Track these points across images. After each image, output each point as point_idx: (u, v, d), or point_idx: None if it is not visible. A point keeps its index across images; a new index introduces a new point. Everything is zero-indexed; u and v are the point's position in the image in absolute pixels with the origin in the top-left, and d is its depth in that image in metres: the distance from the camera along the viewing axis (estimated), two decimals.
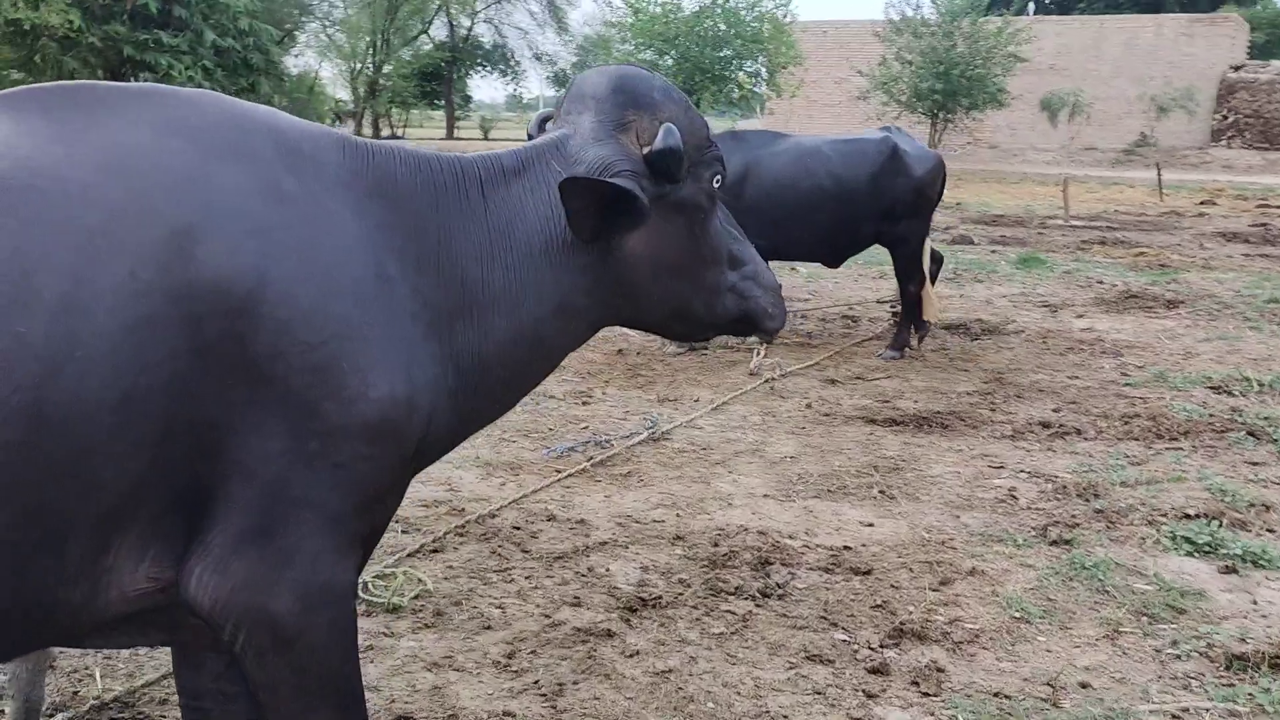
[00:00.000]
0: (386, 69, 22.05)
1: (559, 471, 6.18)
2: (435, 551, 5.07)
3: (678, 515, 5.59)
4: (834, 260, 9.85)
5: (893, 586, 4.78)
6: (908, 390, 8.21)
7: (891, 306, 10.65)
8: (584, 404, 7.70)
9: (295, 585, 2.18)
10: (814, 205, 9.03)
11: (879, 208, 9.15)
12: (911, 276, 9.32)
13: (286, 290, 2.08)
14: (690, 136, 2.69)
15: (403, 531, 5.26)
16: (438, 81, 58.91)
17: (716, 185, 2.81)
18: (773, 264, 9.70)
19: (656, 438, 6.86)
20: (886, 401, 7.87)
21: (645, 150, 2.61)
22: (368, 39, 20.42)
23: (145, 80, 24.52)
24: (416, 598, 4.58)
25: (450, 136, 54.15)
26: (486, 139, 54.20)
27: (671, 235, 2.71)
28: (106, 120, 2.09)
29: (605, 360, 9.00)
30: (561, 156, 2.63)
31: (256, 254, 2.06)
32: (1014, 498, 5.89)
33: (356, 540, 2.30)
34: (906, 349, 9.26)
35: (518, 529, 5.35)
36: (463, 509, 5.57)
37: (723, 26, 35.54)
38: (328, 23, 27.02)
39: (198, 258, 2.00)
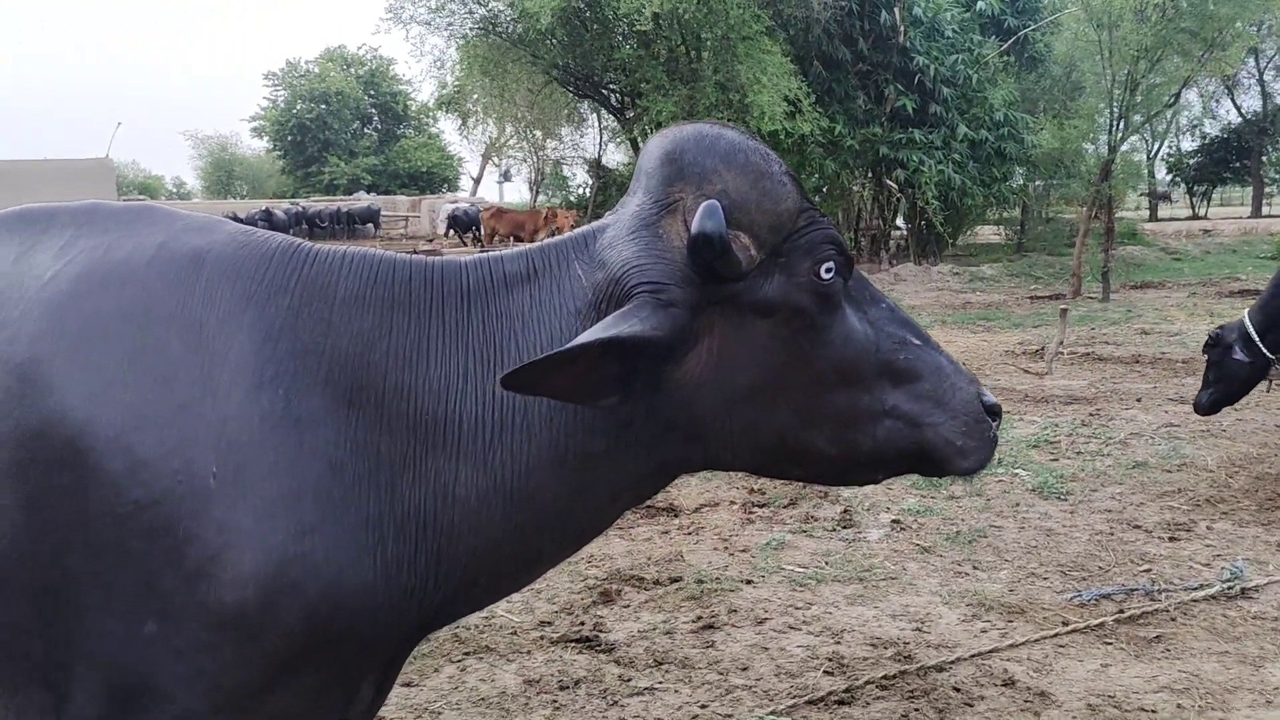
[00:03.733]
0: (1125, 148, 20.51)
1: (1065, 624, 5.01)
2: (841, 704, 4.34)
3: (1179, 707, 4.19)
4: None
5: None
6: None
7: None
8: (1171, 539, 6.20)
9: None
10: None
11: None
12: None
13: (119, 437, 1.77)
14: (761, 216, 1.97)
15: (824, 672, 4.61)
16: (1245, 157, 53.94)
17: (829, 277, 2.01)
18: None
19: (1232, 594, 5.27)
20: None
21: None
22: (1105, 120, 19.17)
23: (897, 176, 25.64)
24: None
25: (1257, 214, 49.16)
26: None
27: (752, 350, 1.99)
28: (32, 245, 1.99)
29: (1248, 482, 7.22)
30: (586, 256, 2.04)
31: (88, 395, 1.79)
32: None
33: None
34: None
35: (957, 691, 4.40)
36: (911, 655, 4.74)
37: None
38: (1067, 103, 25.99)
39: (28, 397, 1.80)
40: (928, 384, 2.12)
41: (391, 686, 2.23)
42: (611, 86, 25.96)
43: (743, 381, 1.99)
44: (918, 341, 2.15)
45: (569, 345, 1.78)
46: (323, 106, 76.20)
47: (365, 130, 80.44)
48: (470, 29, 25.54)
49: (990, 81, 26.61)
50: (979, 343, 14.89)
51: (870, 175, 27.47)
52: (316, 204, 52.50)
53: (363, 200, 55.84)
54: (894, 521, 6.64)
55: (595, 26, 24.10)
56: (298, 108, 76.41)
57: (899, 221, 28.61)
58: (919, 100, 25.75)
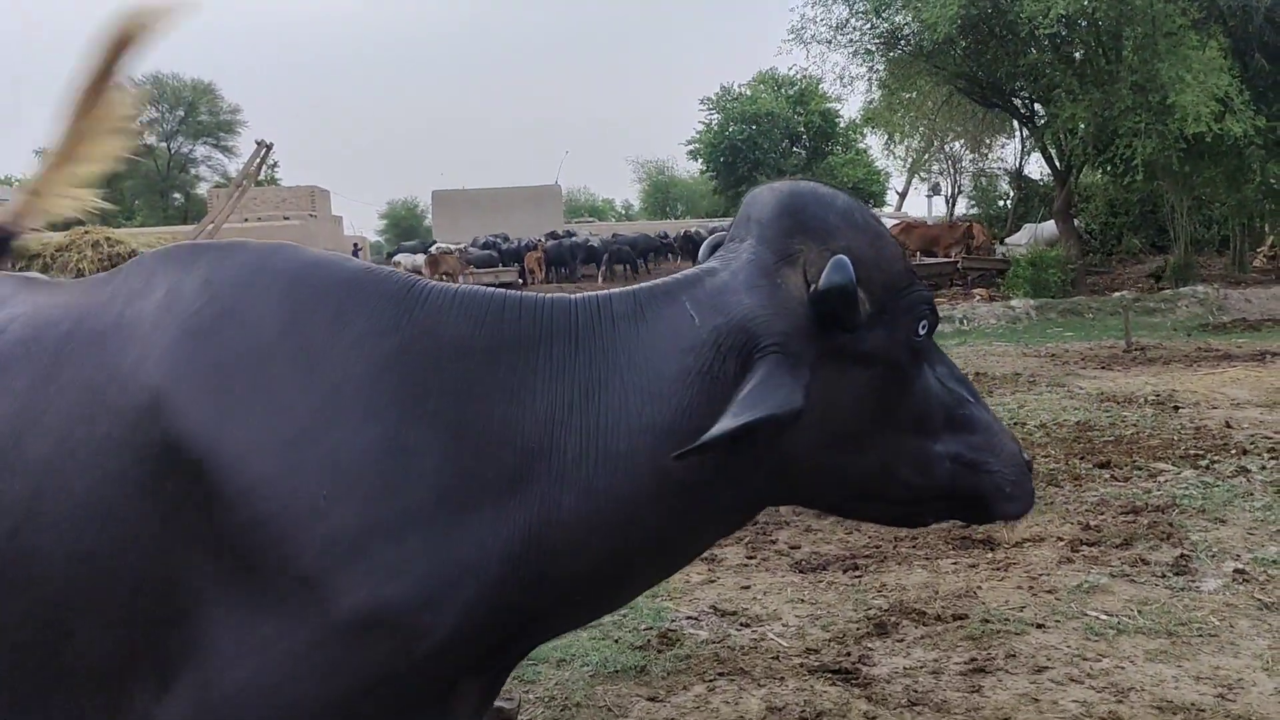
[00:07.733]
0: None
1: None
2: None
3: None
4: None
5: None
6: None
7: None
8: None
9: None
10: None
11: None
12: None
13: (242, 456, 1.98)
14: (877, 273, 2.16)
15: None
16: None
17: (923, 335, 2.24)
18: None
19: None
20: None
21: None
22: None
23: None
24: None
25: None
26: None
27: (850, 397, 2.18)
28: (164, 277, 2.22)
29: None
30: (698, 297, 2.17)
31: (215, 416, 2.00)
32: None
33: None
34: None
35: None
36: None
37: None
38: None
39: (163, 416, 2.01)
40: (980, 437, 2.30)
41: (499, 689, 2.36)
42: (1022, 94, 24.80)
43: (837, 427, 2.15)
44: (972, 399, 2.33)
45: (734, 425, 1.93)
46: (753, 127, 78.33)
47: (794, 149, 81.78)
48: (872, 44, 25.38)
49: None
50: None
51: None
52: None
53: None
54: (1238, 571, 5.87)
55: (1001, 31, 23.07)
56: (730, 129, 79.06)
57: None
58: None
